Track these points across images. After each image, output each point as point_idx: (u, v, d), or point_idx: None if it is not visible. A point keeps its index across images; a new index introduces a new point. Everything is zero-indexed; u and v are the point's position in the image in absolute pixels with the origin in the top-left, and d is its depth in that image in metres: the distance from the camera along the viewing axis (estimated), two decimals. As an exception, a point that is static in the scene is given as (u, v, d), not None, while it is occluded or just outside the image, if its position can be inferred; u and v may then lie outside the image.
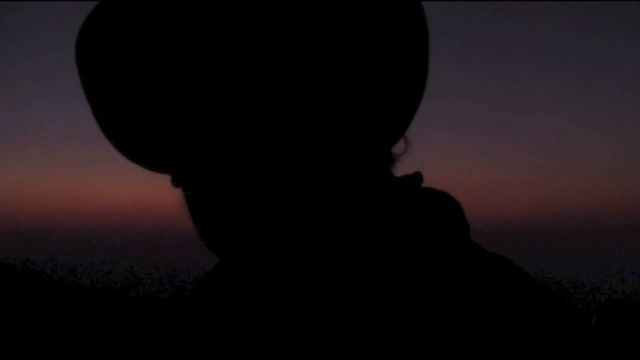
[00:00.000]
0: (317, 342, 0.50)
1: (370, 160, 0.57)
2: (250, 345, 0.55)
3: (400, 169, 0.60)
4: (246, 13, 0.50)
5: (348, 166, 0.55)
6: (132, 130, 0.53)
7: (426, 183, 0.61)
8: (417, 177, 0.59)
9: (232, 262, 0.63)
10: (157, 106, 0.52)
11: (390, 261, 0.53)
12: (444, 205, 0.57)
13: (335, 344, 0.49)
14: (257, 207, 0.53)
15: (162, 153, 0.54)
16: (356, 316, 0.50)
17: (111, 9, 0.52)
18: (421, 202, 0.57)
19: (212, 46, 0.50)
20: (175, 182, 0.56)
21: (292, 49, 0.50)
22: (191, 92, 0.51)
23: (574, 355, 0.47)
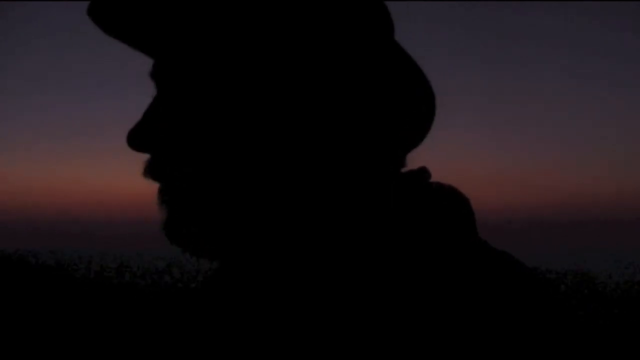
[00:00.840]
0: (318, 342, 0.50)
1: (375, 159, 0.57)
2: (250, 346, 0.54)
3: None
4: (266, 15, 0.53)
5: (350, 164, 0.55)
6: None
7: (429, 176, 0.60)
8: (423, 172, 0.59)
9: (225, 263, 0.63)
10: None
11: (394, 259, 0.52)
12: (451, 201, 0.57)
13: (337, 344, 0.49)
14: (256, 205, 0.53)
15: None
16: (357, 315, 0.50)
17: None
18: (428, 197, 0.57)
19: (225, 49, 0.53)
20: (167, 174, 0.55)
21: (297, 50, 0.53)
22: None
23: (572, 357, 0.47)
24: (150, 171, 0.55)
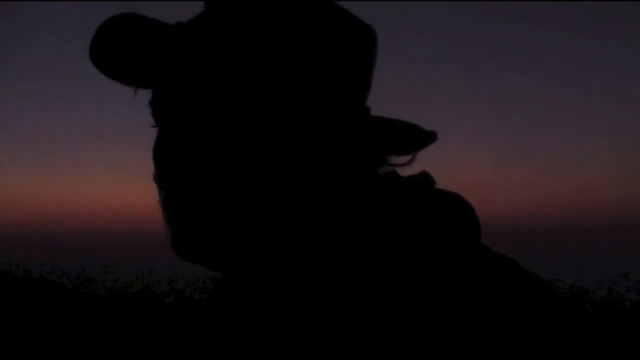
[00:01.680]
0: (322, 345, 0.51)
1: (366, 162, 0.58)
2: (253, 350, 0.55)
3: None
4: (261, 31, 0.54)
5: (343, 169, 0.56)
6: None
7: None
8: (426, 177, 0.60)
9: (224, 272, 0.63)
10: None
11: (397, 261, 0.53)
12: (455, 207, 0.58)
13: (340, 346, 0.50)
14: (254, 208, 0.54)
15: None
16: (360, 317, 0.50)
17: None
18: (433, 203, 0.57)
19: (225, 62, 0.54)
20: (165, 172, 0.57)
21: (283, 70, 0.54)
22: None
23: (575, 356, 0.47)
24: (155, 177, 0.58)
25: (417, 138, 0.60)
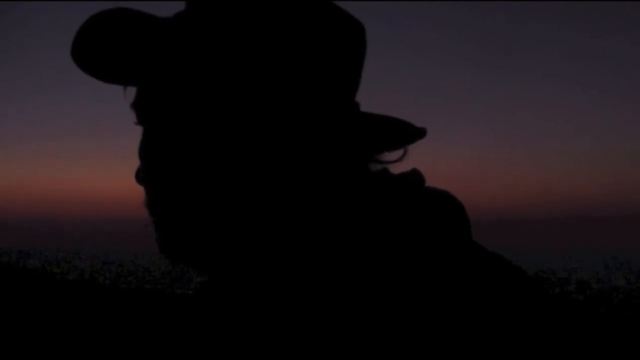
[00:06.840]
0: (313, 344, 0.50)
1: (358, 160, 0.58)
2: (250, 350, 0.55)
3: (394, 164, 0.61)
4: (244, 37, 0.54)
5: (329, 170, 0.56)
6: None
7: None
8: (417, 175, 0.60)
9: (212, 274, 0.63)
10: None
11: (388, 261, 0.53)
12: (446, 205, 0.58)
13: (332, 346, 0.50)
14: (238, 212, 0.54)
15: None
16: (352, 317, 0.50)
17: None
18: (423, 201, 0.57)
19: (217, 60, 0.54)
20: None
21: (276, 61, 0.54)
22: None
23: (569, 352, 0.48)
24: (139, 177, 0.58)
25: (406, 134, 0.60)
